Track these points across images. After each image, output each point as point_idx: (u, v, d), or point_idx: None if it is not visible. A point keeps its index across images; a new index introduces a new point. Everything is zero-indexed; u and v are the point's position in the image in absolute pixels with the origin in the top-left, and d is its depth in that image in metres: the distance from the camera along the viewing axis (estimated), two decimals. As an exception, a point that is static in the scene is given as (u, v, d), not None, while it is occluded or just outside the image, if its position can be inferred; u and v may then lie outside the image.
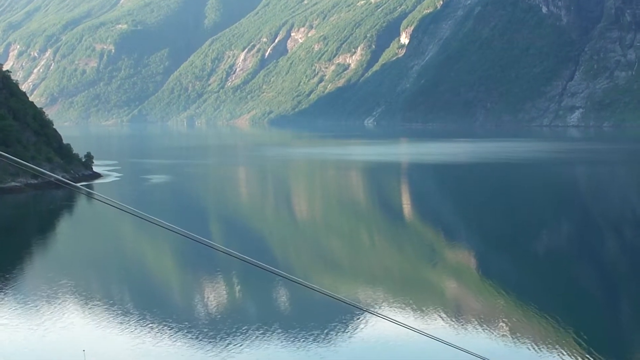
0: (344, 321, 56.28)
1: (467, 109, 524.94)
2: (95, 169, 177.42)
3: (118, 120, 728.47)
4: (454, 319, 58.66)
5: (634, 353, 51.46)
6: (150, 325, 57.39)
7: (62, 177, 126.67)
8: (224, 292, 70.44)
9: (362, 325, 55.62)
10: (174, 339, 53.91)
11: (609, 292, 70.07)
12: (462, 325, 56.98)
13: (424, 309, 61.77)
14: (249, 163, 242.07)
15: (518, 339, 53.35)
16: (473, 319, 58.59)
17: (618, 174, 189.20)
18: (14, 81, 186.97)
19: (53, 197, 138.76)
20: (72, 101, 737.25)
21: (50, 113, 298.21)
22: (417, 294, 68.45)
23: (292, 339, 52.77)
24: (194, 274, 79.15)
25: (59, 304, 63.15)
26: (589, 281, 74.01)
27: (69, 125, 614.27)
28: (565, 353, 49.48)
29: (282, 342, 52.40)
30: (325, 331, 54.14)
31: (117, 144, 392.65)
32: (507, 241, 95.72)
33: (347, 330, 54.69)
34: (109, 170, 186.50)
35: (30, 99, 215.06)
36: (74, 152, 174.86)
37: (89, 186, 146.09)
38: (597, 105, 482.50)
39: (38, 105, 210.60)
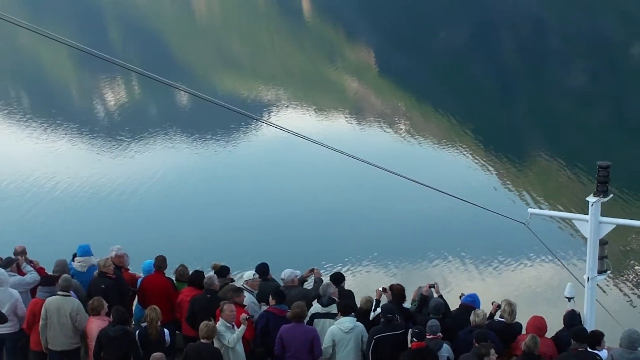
0: (240, 129, 54.83)
1: None
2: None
3: None
4: (353, 122, 58.13)
5: (529, 149, 52.19)
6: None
7: None
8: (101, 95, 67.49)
9: (257, 133, 54.36)
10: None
11: (507, 90, 70.31)
12: (361, 127, 56.61)
13: (322, 112, 60.89)
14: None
15: (416, 139, 53.33)
16: (372, 121, 58.25)
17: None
18: None
19: None
20: None
21: None
22: (316, 96, 67.55)
23: (187, 143, 51.80)
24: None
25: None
26: (486, 79, 73.84)
27: None
28: (463, 151, 49.87)
29: (176, 144, 51.71)
30: (219, 138, 53.06)
31: None
32: (405, 38, 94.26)
33: (242, 139, 53.52)
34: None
35: None
36: None
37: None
38: None
39: None
